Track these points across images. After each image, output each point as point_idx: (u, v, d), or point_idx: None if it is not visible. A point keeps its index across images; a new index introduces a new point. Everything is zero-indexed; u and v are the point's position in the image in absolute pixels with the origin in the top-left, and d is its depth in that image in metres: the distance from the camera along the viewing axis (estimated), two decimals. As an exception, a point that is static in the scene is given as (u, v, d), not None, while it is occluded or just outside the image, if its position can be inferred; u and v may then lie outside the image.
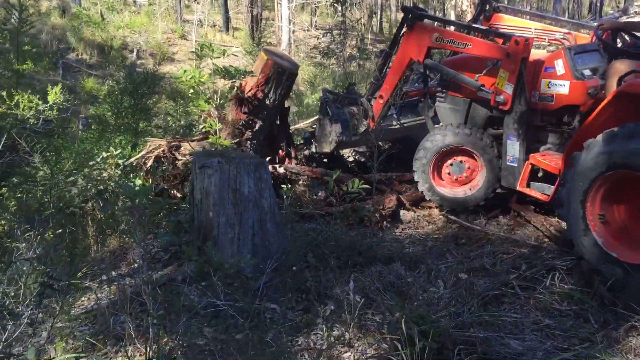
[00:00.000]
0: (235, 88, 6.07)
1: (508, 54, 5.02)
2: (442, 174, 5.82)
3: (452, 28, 6.99)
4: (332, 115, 6.67)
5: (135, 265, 5.30)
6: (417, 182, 5.79)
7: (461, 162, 5.70)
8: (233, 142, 6.05)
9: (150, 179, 6.34)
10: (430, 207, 5.69)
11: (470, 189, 5.60)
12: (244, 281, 4.06)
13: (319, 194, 5.80)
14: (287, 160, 6.73)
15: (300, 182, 5.90)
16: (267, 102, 6.31)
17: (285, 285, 4.01)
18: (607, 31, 5.09)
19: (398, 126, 6.86)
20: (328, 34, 19.12)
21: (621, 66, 4.47)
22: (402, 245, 4.76)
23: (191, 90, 5.72)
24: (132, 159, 6.64)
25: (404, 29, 6.08)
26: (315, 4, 26.82)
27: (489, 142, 5.44)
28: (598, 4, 38.98)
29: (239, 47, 19.77)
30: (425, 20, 6.00)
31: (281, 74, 6.24)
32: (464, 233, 4.99)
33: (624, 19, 23.54)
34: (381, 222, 5.24)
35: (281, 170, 6.10)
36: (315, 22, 27.90)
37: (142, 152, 6.66)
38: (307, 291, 3.92)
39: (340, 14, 19.90)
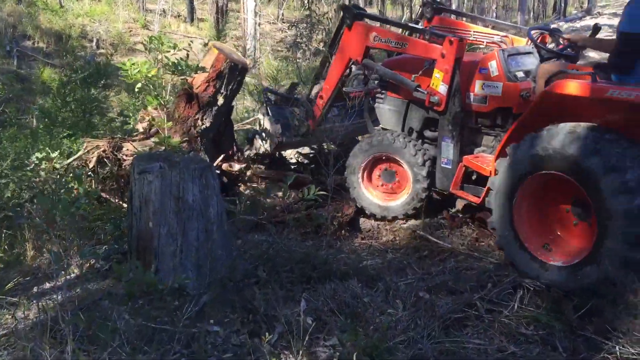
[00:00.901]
0: (184, 84, 5.66)
1: (442, 54, 4.97)
2: (373, 180, 5.78)
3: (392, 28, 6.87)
4: (272, 115, 6.53)
5: (73, 275, 4.88)
6: (349, 188, 5.77)
7: (390, 169, 5.65)
8: (182, 140, 5.65)
9: (93, 183, 5.89)
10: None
11: (397, 198, 5.56)
12: (185, 299, 3.70)
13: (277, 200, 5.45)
14: (235, 160, 6.37)
15: (255, 185, 5.55)
16: (218, 98, 5.96)
17: (231, 304, 3.65)
18: (543, 34, 5.16)
19: (342, 128, 6.65)
20: (294, 28, 18.73)
21: (549, 67, 4.47)
22: (360, 257, 4.44)
23: (138, 85, 5.29)
24: (68, 161, 6.18)
25: (343, 28, 5.96)
26: (282, -4, 26.38)
27: (414, 150, 5.37)
28: (562, 4, 39.49)
29: (204, 39, 19.23)
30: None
31: (233, 68, 5.95)
32: (426, 245, 4.71)
33: (588, 19, 23.84)
34: (339, 231, 4.92)
35: (235, 167, 5.78)
36: (282, 15, 27.44)
37: (79, 154, 6.21)
38: (254, 311, 3.57)
39: (307, 7, 19.52)
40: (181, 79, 5.43)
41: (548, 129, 3.92)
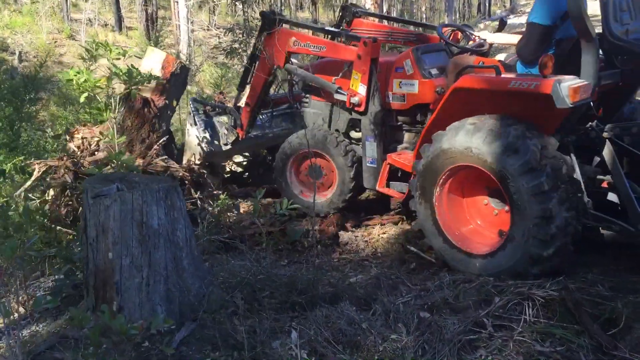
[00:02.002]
0: (135, 93, 5.15)
1: (359, 56, 5.06)
2: (301, 177, 5.89)
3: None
4: (199, 125, 6.49)
5: (16, 315, 4.29)
6: (277, 186, 5.90)
7: (317, 165, 5.71)
8: (142, 148, 5.16)
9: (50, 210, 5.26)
10: (368, 225, 5.07)
11: (325, 194, 5.64)
12: (155, 339, 3.24)
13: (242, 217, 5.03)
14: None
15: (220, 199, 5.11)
16: (168, 101, 5.64)
17: (210, 341, 3.22)
18: (454, 31, 5.46)
19: (271, 135, 6.82)
20: (230, 33, 18.20)
21: (459, 61, 4.57)
22: (344, 274, 4.08)
23: (84, 95, 4.74)
24: (23, 188, 5.54)
25: (263, 35, 6.01)
26: (214, 2, 25.75)
27: (340, 145, 5.44)
28: (487, 4, 40.66)
29: (135, 48, 18.40)
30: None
31: (184, 68, 5.97)
32: (411, 256, 4.40)
33: (511, 18, 24.57)
34: (315, 246, 4.55)
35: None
36: (215, 21, 26.81)
37: (33, 178, 5.57)
38: (239, 347, 3.14)
39: (242, 11, 19.03)
40: (133, 88, 4.92)
41: (452, 124, 4.06)
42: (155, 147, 5.37)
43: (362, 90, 5.11)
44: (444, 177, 4.20)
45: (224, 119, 6.67)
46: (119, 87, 5.17)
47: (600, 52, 3.98)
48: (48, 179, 5.30)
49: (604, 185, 4.22)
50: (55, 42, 22.47)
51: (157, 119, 5.83)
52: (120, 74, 4.95)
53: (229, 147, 6.53)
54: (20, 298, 4.59)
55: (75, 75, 4.67)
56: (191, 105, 6.75)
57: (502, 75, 4.02)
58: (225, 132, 6.56)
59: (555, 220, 3.72)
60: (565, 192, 3.76)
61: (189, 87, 12.98)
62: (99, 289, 3.47)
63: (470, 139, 3.93)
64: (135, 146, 5.48)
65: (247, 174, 7.67)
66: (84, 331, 3.47)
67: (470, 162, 3.99)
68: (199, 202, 5.05)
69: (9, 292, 4.73)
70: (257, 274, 3.91)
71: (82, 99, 4.90)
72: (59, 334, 3.60)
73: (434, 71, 5.01)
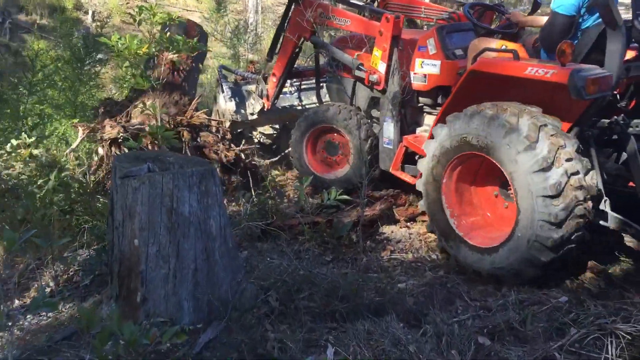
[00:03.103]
0: (181, 62, 4.82)
1: (380, 32, 4.89)
2: (317, 151, 5.76)
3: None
4: (226, 93, 6.37)
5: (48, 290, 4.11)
6: (290, 155, 5.84)
7: (334, 141, 5.57)
8: (176, 110, 4.87)
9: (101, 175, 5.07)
10: (426, 221, 4.58)
11: (341, 170, 5.52)
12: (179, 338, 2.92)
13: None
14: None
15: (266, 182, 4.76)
16: (195, 65, 5.73)
17: (237, 347, 2.87)
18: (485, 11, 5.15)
19: (299, 107, 6.69)
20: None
21: (478, 44, 4.38)
22: (392, 278, 3.64)
23: (125, 64, 4.45)
24: (68, 151, 5.38)
25: (293, 4, 5.88)
26: (285, -32, 25.20)
27: (357, 123, 5.25)
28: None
29: (203, 12, 18.20)
30: None
31: (203, 34, 5.93)
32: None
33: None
34: (363, 243, 4.10)
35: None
36: (285, -12, 26.27)
37: (77, 141, 5.39)
38: (267, 358, 2.78)
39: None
40: (177, 56, 4.57)
41: (467, 109, 3.85)
42: (194, 102, 5.15)
43: (381, 68, 4.91)
44: (454, 162, 4.00)
45: (252, 88, 6.54)
46: (167, 55, 4.85)
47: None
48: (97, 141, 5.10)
49: (631, 184, 3.90)
50: (127, 2, 22.58)
51: (186, 82, 5.75)
52: (163, 40, 4.62)
53: (255, 116, 6.41)
54: (54, 272, 4.44)
55: (117, 42, 4.36)
56: (220, 73, 6.62)
57: (520, 61, 3.82)
58: (252, 101, 6.41)
59: (561, 227, 3.45)
60: (577, 196, 3.48)
61: (251, 56, 12.65)
62: (124, 277, 3.17)
63: (482, 127, 3.72)
64: (169, 109, 5.20)
65: (274, 145, 7.41)
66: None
67: (481, 152, 3.77)
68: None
69: (42, 266, 4.58)
70: (296, 271, 3.53)
71: (124, 67, 4.62)
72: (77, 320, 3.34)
73: (458, 52, 4.80)
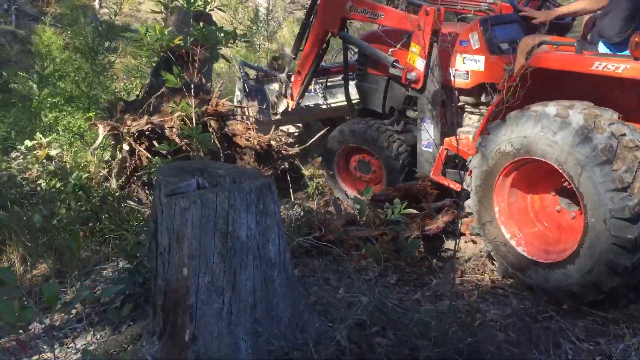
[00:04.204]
0: (218, 56, 4.34)
1: (419, 26, 4.53)
2: (350, 170, 5.45)
3: None
4: (249, 92, 6.02)
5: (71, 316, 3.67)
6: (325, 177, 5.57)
7: (363, 159, 5.27)
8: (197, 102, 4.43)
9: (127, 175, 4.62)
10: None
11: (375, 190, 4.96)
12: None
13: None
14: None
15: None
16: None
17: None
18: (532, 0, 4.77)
19: (324, 107, 6.34)
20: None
21: (531, 40, 4.00)
22: (472, 306, 3.17)
23: (153, 60, 3.97)
24: (91, 151, 4.94)
25: None
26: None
27: (386, 140, 4.95)
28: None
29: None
30: None
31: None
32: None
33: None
34: (429, 261, 3.64)
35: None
36: (296, -27, 25.67)
37: (99, 140, 4.93)
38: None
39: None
40: (216, 49, 4.09)
41: (521, 109, 3.53)
42: (217, 89, 4.70)
43: (420, 65, 4.59)
44: (506, 169, 3.67)
45: (275, 86, 6.14)
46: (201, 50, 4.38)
47: None
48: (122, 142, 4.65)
49: None
50: (138, -11, 21.96)
51: (202, 74, 5.32)
52: (199, 33, 4.14)
53: (277, 116, 6.02)
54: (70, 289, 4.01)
55: (146, 34, 3.87)
56: (241, 70, 6.21)
57: (584, 55, 3.50)
58: (275, 100, 6.04)
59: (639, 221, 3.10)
60: None
61: (268, 45, 12.11)
62: (169, 312, 2.72)
63: (545, 130, 3.35)
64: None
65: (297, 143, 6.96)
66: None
67: (537, 156, 3.43)
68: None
69: (65, 282, 4.15)
70: (361, 298, 3.07)
71: (152, 62, 4.14)
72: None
73: (504, 46, 4.44)
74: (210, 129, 4.65)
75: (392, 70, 4.82)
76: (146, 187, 4.43)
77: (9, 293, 2.29)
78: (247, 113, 5.50)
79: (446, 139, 4.59)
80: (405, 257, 3.60)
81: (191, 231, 2.61)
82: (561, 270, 3.35)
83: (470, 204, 3.86)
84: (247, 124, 5.02)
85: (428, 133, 4.65)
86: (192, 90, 4.13)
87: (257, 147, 4.85)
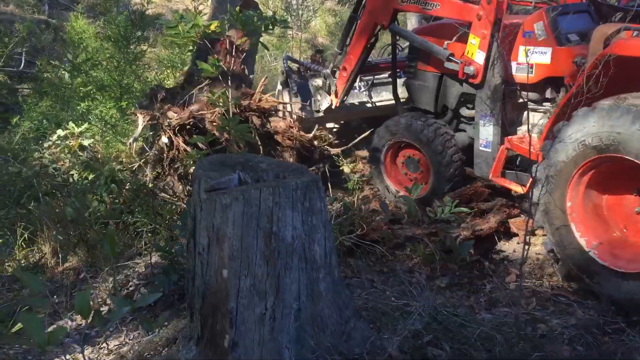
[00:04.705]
0: (256, 43, 4.12)
1: (479, 16, 4.23)
2: (397, 166, 5.18)
3: None
4: (292, 88, 5.59)
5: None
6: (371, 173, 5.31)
7: (413, 157, 4.98)
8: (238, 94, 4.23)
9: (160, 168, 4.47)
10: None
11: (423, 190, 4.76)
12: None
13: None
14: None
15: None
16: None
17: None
18: None
19: (369, 105, 6.04)
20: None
21: (607, 29, 3.70)
22: (528, 313, 2.92)
23: (188, 49, 3.78)
24: (131, 141, 4.79)
25: None
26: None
27: (432, 134, 4.67)
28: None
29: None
30: None
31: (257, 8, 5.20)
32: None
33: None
34: (481, 263, 3.40)
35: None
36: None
37: (139, 130, 4.78)
38: None
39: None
40: (254, 37, 3.88)
41: (598, 103, 3.23)
42: (261, 83, 4.47)
43: (479, 58, 4.28)
44: (581, 170, 3.36)
45: (319, 82, 5.84)
46: (234, 35, 4.17)
47: None
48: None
49: None
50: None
51: (245, 65, 5.15)
52: (236, 18, 3.92)
53: (320, 114, 5.74)
54: (110, 285, 3.87)
55: (180, 22, 3.67)
56: (285, 65, 5.89)
57: None
58: (319, 97, 5.76)
59: None
60: None
61: (301, 35, 11.86)
62: (207, 316, 2.53)
63: (622, 123, 3.07)
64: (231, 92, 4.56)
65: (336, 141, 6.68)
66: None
67: (631, 156, 3.09)
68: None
69: (95, 277, 4.01)
70: (409, 302, 2.85)
71: (187, 51, 3.96)
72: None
73: (572, 37, 4.15)
74: (252, 125, 4.46)
75: (447, 65, 4.50)
76: (182, 180, 4.25)
77: (37, 304, 2.12)
78: (290, 110, 5.27)
79: (507, 138, 4.27)
80: (456, 259, 3.36)
81: (232, 230, 2.41)
82: (637, 282, 3.04)
83: (536, 194, 3.54)
84: (290, 121, 4.79)
85: (487, 132, 4.35)
86: (231, 81, 3.93)
87: (299, 146, 4.63)
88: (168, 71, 10.12)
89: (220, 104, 3.87)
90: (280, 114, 5.41)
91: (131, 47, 8.49)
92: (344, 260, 3.54)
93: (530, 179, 3.76)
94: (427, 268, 3.39)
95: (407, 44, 5.62)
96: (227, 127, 3.66)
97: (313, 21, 12.46)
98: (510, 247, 3.78)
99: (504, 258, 3.62)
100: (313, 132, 5.01)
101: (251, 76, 5.67)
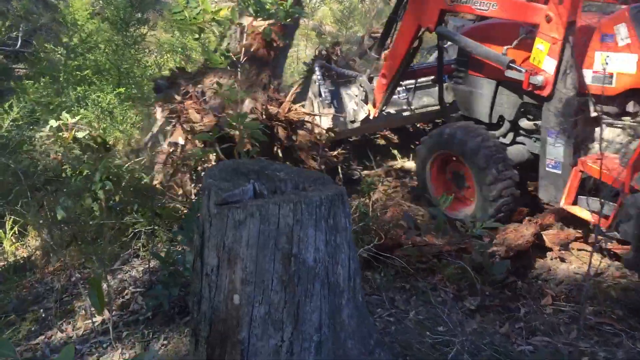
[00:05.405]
0: (269, 32, 3.78)
1: (548, 17, 3.72)
2: (444, 181, 4.75)
3: None
4: (326, 97, 5.18)
5: (95, 324, 3.22)
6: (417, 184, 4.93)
7: (459, 172, 4.56)
8: (266, 96, 3.89)
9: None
10: (586, 251, 3.54)
11: (464, 209, 4.48)
12: None
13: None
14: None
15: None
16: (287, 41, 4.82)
17: None
18: None
19: (407, 113, 5.59)
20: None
21: None
22: (570, 344, 2.62)
23: (194, 36, 3.45)
24: (148, 138, 4.46)
25: None
26: None
27: (477, 145, 4.22)
28: None
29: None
30: None
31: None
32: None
33: None
34: (514, 282, 3.09)
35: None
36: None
37: (159, 124, 4.43)
38: None
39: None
40: (268, 24, 3.53)
41: None
42: (292, 92, 4.11)
43: (549, 66, 3.77)
44: None
45: (354, 90, 5.40)
46: (246, 21, 3.83)
47: None
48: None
49: None
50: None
51: (277, 62, 4.80)
52: (248, 3, 3.58)
53: (356, 124, 5.30)
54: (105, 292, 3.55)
55: (186, 6, 3.32)
56: (317, 72, 5.35)
57: None
58: (354, 107, 5.28)
59: None
60: None
61: (306, 21, 11.45)
62: (215, 346, 2.22)
63: None
64: (257, 93, 4.20)
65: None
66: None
67: None
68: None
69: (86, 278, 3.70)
70: (437, 327, 2.54)
71: (193, 37, 3.65)
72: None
73: None
74: (278, 137, 4.09)
75: (508, 74, 4.04)
76: (192, 179, 3.92)
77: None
78: (319, 124, 4.87)
79: (581, 160, 3.81)
80: (487, 279, 3.05)
81: (246, 250, 2.09)
82: None
83: (627, 229, 3.17)
84: (317, 137, 4.42)
85: (556, 151, 3.89)
86: (256, 74, 3.59)
87: (322, 167, 4.28)
88: (168, 55, 9.76)
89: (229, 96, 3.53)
90: (309, 125, 5.03)
91: (130, 29, 8.13)
92: (362, 274, 3.23)
93: (614, 210, 3.35)
94: (453, 286, 3.09)
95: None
96: (235, 123, 3.33)
97: (320, 9, 12.06)
98: (544, 264, 3.47)
99: (537, 276, 3.32)
100: (337, 151, 4.62)
101: (281, 74, 5.24)
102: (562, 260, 3.48)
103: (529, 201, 4.42)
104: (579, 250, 3.56)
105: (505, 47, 4.14)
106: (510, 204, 4.16)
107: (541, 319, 2.83)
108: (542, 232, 3.60)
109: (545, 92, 3.88)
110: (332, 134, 4.77)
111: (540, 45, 3.82)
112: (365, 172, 5.30)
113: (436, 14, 4.47)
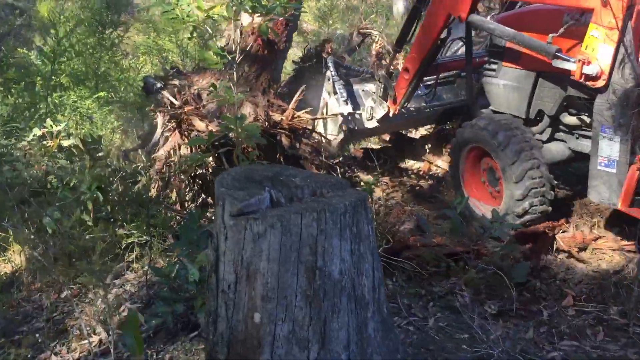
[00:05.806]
0: (266, 29, 3.60)
1: (604, 1, 3.41)
2: (478, 175, 4.50)
3: None
4: (342, 95, 4.92)
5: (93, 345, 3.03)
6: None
7: (492, 168, 4.31)
8: (265, 100, 3.72)
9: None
10: (598, 249, 3.44)
11: (493, 207, 4.18)
12: None
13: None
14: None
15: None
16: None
17: None
18: None
19: (428, 110, 5.28)
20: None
21: None
22: (599, 347, 2.51)
23: (188, 34, 3.26)
24: (153, 143, 4.25)
25: None
26: None
27: (506, 138, 4.02)
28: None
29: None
30: None
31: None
32: None
33: None
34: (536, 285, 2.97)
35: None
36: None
37: (159, 130, 4.21)
38: None
39: None
40: (266, 22, 3.36)
41: None
42: (296, 98, 3.94)
43: (604, 55, 3.45)
44: None
45: (371, 87, 5.14)
46: (244, 19, 3.66)
47: None
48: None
49: None
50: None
51: (276, 64, 4.62)
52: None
53: (374, 123, 5.03)
54: (99, 311, 3.36)
55: (177, 5, 3.13)
56: (331, 69, 5.10)
57: None
58: (372, 104, 5.01)
59: None
60: None
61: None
62: (233, 371, 2.05)
63: None
64: (257, 97, 4.01)
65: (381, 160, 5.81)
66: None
67: None
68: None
69: (79, 296, 3.50)
70: (461, 336, 2.41)
71: (187, 36, 3.45)
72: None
73: None
74: (283, 145, 3.90)
75: (555, 63, 3.67)
76: (189, 186, 3.72)
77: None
78: (322, 132, 4.69)
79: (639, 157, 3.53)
80: (515, 280, 2.91)
81: (267, 264, 1.93)
82: None
83: None
84: (319, 145, 4.24)
85: (611, 148, 3.60)
86: (255, 76, 3.42)
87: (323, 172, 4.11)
88: (143, 57, 9.52)
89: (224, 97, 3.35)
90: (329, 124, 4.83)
91: (106, 32, 7.88)
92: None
93: None
94: (470, 290, 2.96)
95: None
96: (231, 126, 3.16)
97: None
98: (560, 264, 3.36)
99: (554, 276, 3.20)
100: (337, 160, 4.45)
101: (278, 85, 5.00)
102: (579, 260, 3.37)
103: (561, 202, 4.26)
104: (596, 249, 3.45)
105: (551, 35, 3.75)
106: (540, 205, 3.96)
107: (565, 321, 2.72)
108: (556, 235, 3.48)
109: (599, 84, 3.57)
110: (340, 150, 4.63)
111: (595, 32, 3.51)
112: (365, 175, 5.13)
113: (469, 1, 4.12)
